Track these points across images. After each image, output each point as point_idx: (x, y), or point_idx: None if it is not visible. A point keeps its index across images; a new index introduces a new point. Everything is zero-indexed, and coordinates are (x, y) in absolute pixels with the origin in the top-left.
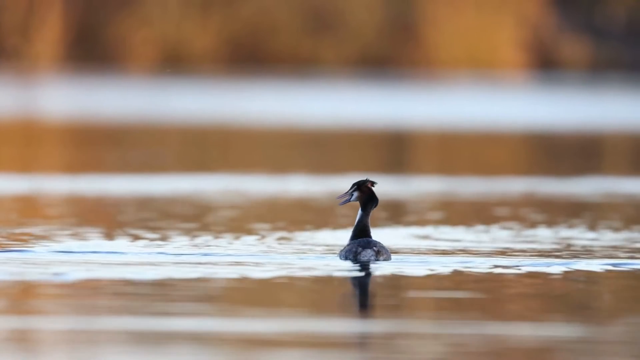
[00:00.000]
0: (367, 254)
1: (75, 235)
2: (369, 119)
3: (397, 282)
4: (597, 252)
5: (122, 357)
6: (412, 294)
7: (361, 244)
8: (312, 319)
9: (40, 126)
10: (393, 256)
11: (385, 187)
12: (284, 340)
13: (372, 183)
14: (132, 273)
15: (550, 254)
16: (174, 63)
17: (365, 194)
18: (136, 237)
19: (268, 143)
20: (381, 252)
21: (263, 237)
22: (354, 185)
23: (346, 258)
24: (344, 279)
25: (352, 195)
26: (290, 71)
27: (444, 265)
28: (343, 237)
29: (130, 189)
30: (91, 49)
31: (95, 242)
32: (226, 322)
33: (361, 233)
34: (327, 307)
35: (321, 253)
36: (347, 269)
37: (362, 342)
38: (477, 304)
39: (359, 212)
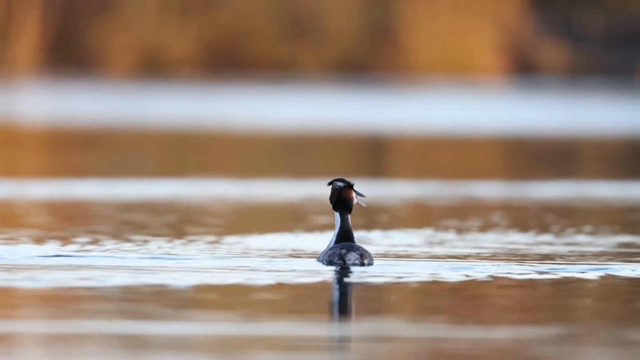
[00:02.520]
0: (352, 258)
1: (50, 240)
2: (348, 123)
3: (378, 286)
4: (573, 256)
5: None
6: (393, 298)
7: (345, 247)
8: (294, 323)
9: (18, 131)
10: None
11: (363, 191)
12: (267, 344)
13: (350, 186)
14: (109, 277)
15: (526, 258)
16: (153, 68)
17: (340, 196)
18: (114, 242)
19: (246, 148)
20: (365, 256)
21: (242, 241)
22: (331, 184)
23: (330, 262)
24: (328, 282)
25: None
26: (268, 76)
27: (423, 270)
28: (324, 240)
29: (108, 194)
30: (70, 53)
31: (69, 246)
32: (205, 326)
33: (343, 237)
34: (309, 311)
35: (300, 257)
36: (330, 273)
37: (342, 345)
38: (455, 308)
39: (338, 215)
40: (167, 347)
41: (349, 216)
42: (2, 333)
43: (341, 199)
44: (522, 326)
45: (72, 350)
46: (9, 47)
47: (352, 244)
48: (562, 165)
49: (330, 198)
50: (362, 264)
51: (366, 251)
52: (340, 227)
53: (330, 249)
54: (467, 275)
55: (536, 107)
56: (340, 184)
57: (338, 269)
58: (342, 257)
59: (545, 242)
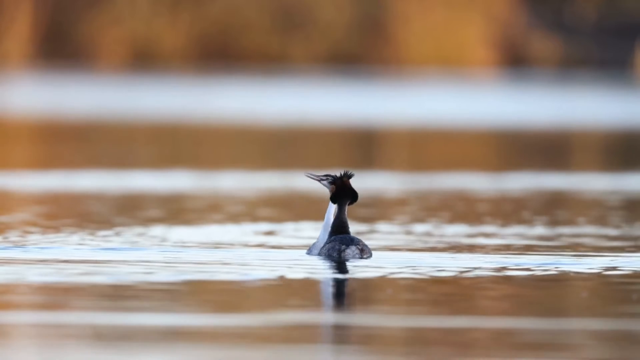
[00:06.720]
0: (351, 252)
1: (41, 232)
2: (339, 116)
3: (377, 279)
4: (566, 248)
5: (90, 354)
6: (391, 290)
7: (344, 241)
8: (291, 315)
9: (10, 123)
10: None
11: (355, 184)
12: (262, 336)
13: (349, 176)
14: (98, 270)
15: (518, 249)
16: (144, 61)
17: (337, 189)
18: (103, 234)
19: (238, 140)
20: (365, 251)
21: (232, 234)
22: (328, 177)
23: (329, 256)
24: (323, 276)
25: (325, 184)
26: (259, 69)
27: (418, 262)
28: (311, 231)
29: (100, 186)
30: (61, 47)
31: (60, 238)
32: (198, 319)
33: (339, 228)
34: (305, 303)
35: (291, 249)
36: (326, 265)
37: (337, 338)
38: (449, 299)
39: (334, 206)
40: (163, 339)
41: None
42: None
43: (349, 189)
44: (515, 317)
45: (61, 342)
46: (1, 40)
47: (352, 237)
48: (554, 157)
49: (337, 194)
50: (361, 258)
51: (366, 245)
52: (337, 218)
53: (329, 242)
54: (461, 267)
55: (527, 100)
56: (329, 177)
57: (335, 262)
58: (341, 252)
59: (537, 234)
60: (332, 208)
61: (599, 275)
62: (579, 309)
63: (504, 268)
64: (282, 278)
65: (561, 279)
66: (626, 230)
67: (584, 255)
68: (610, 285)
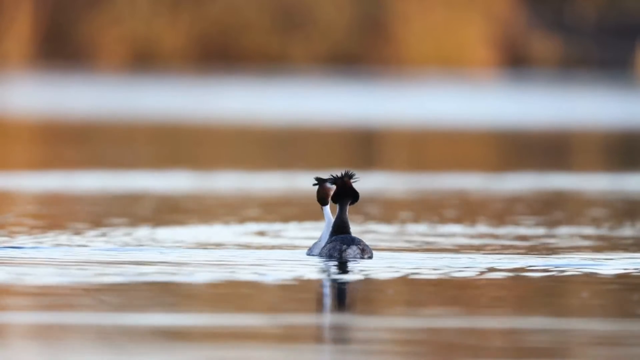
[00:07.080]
0: (352, 252)
1: (41, 233)
2: (339, 116)
3: (378, 279)
4: (566, 249)
5: (90, 354)
6: (392, 291)
7: (345, 241)
8: (291, 315)
9: (10, 123)
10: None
11: (355, 183)
12: (268, 335)
13: (350, 176)
14: (94, 271)
15: (519, 250)
16: (144, 61)
17: (338, 188)
18: (103, 235)
19: (238, 140)
20: (366, 251)
21: (232, 234)
22: (332, 177)
23: (330, 256)
24: (324, 276)
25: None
26: (260, 69)
27: (419, 262)
28: (309, 231)
29: (100, 186)
30: (61, 47)
31: (61, 238)
32: (200, 318)
33: (340, 227)
34: (305, 304)
35: (294, 249)
36: (327, 266)
37: (339, 338)
38: (453, 298)
39: (327, 206)
40: (163, 339)
41: (347, 207)
42: None
43: (350, 189)
44: (516, 318)
45: (61, 343)
46: (1, 40)
47: (353, 237)
48: (554, 157)
49: (338, 193)
50: (362, 259)
51: (367, 245)
52: (338, 218)
53: (330, 242)
54: (462, 267)
55: (527, 100)
56: (329, 179)
57: (335, 262)
58: (342, 252)
59: (537, 235)
60: (327, 208)
61: (599, 275)
62: (584, 310)
63: (504, 268)
64: (281, 278)
65: (565, 280)
66: (628, 230)
67: (585, 256)
68: (615, 286)
